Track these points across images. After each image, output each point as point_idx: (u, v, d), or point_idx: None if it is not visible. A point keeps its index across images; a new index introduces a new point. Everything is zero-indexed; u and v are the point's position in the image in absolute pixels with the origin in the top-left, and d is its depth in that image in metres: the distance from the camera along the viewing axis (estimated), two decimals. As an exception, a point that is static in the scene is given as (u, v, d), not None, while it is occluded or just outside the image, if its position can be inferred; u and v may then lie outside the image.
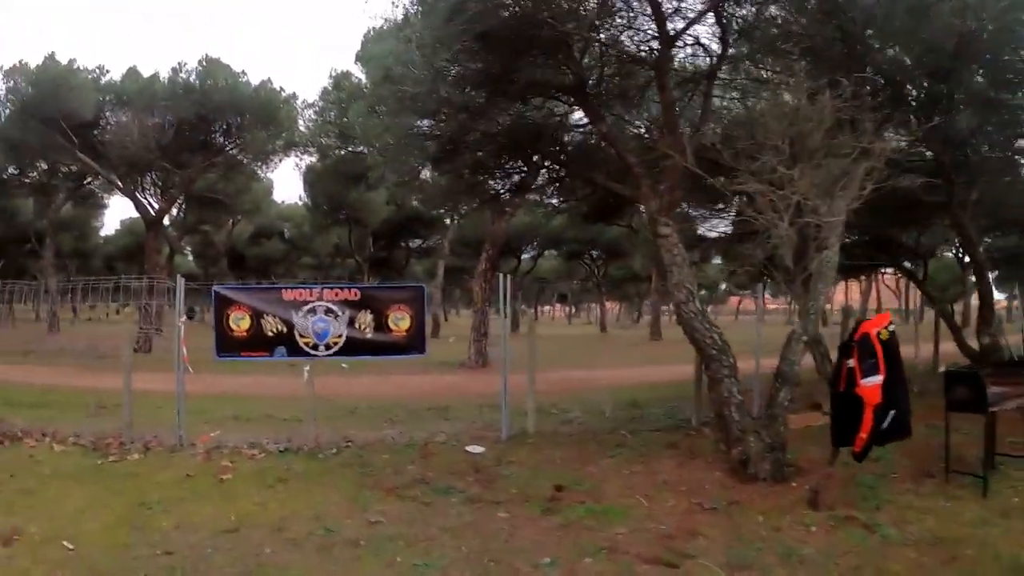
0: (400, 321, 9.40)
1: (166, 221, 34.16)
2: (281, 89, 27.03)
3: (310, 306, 9.26)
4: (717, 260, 24.19)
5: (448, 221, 38.76)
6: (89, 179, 33.83)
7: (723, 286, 70.56)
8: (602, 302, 57.21)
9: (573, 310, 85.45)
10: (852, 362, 6.57)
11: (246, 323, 9.21)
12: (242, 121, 26.22)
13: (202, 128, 26.28)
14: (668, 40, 8.71)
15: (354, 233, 42.85)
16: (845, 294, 45.43)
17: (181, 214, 42.22)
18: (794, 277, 7.21)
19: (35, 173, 32.94)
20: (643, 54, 9.36)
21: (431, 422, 11.18)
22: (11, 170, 32.71)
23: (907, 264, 19.58)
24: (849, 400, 6.59)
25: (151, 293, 23.74)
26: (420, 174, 17.93)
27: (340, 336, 9.31)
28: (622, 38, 9.24)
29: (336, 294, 9.40)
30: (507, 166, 12.81)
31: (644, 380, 17.30)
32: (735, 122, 8.64)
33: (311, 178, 36.39)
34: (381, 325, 9.39)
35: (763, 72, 9.97)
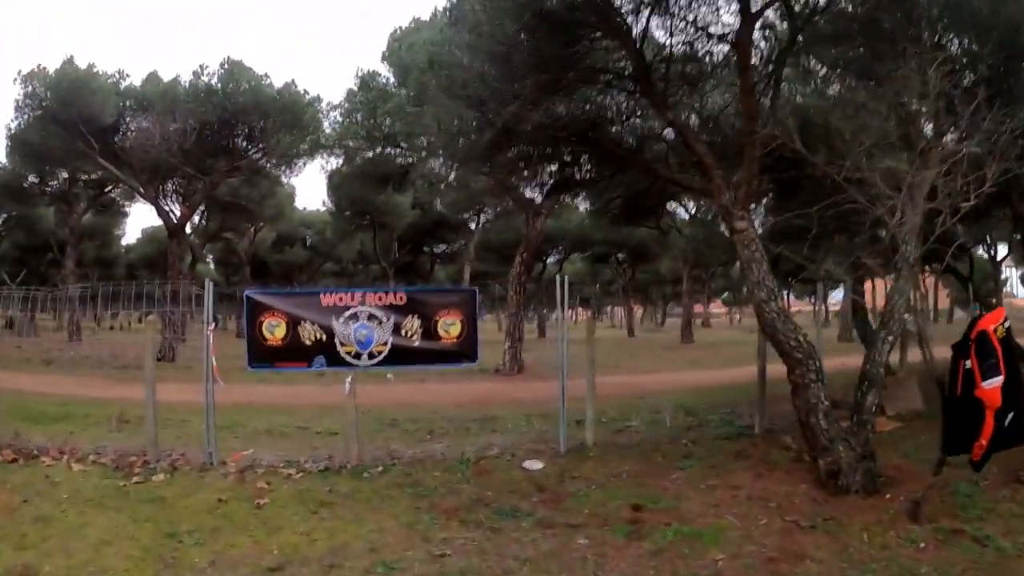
0: (450, 327, 8.66)
1: (188, 228, 33.80)
2: (305, 92, 26.48)
3: (351, 311, 8.55)
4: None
5: (473, 225, 38.28)
6: (110, 187, 33.61)
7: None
8: (630, 306, 56.55)
9: (597, 313, 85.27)
10: (970, 363, 5.91)
11: (281, 331, 8.50)
12: (266, 124, 25.62)
13: (225, 132, 25.74)
14: (751, 16, 7.99)
15: (379, 238, 42.49)
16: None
17: (203, 221, 42.10)
18: (914, 265, 6.54)
19: (56, 181, 32.75)
20: (720, 34, 8.76)
21: (478, 434, 10.42)
22: (32, 179, 32.58)
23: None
24: (967, 404, 5.93)
25: (175, 300, 23.23)
26: (453, 174, 17.35)
27: (385, 344, 8.59)
28: (695, 15, 8.61)
29: (380, 298, 8.66)
30: (557, 160, 12.18)
31: (688, 384, 16.87)
32: (822, 109, 8.03)
33: (336, 182, 35.80)
34: (429, 331, 8.66)
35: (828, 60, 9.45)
